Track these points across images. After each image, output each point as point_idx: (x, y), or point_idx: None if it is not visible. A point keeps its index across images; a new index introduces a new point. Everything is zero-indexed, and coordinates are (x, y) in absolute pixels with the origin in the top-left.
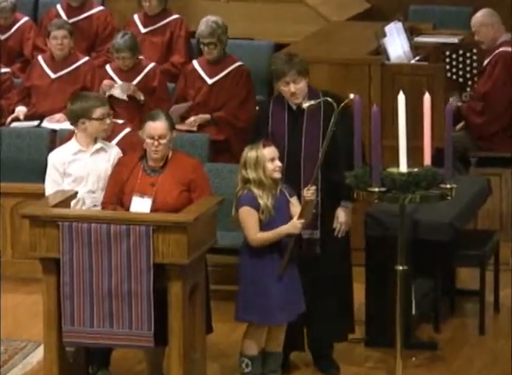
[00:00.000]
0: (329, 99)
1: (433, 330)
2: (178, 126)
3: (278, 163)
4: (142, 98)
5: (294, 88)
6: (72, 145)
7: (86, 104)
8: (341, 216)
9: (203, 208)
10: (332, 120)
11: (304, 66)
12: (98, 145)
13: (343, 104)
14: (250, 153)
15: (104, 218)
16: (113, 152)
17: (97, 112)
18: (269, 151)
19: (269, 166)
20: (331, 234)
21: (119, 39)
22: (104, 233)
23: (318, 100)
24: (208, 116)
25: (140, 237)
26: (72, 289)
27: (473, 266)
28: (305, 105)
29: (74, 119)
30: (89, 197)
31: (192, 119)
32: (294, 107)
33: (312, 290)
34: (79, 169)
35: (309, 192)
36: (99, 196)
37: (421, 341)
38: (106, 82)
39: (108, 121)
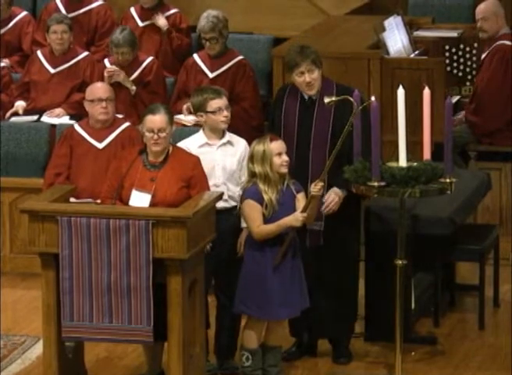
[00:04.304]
0: (351, 99)
1: (433, 324)
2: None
3: (285, 158)
4: (134, 87)
5: (309, 78)
6: (199, 138)
7: (201, 97)
8: (331, 197)
9: (202, 203)
10: (349, 120)
11: (317, 56)
12: (225, 139)
13: (361, 106)
14: (257, 147)
15: (104, 212)
16: (240, 147)
17: (212, 104)
18: (277, 146)
19: (276, 160)
20: (335, 226)
21: (118, 34)
22: (103, 227)
23: (339, 97)
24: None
25: (139, 231)
26: (72, 284)
27: (473, 260)
28: (326, 100)
29: (195, 112)
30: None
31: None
32: (306, 97)
33: (315, 282)
34: (204, 163)
35: (316, 188)
36: (223, 190)
37: (420, 335)
38: (109, 68)
39: (225, 113)
